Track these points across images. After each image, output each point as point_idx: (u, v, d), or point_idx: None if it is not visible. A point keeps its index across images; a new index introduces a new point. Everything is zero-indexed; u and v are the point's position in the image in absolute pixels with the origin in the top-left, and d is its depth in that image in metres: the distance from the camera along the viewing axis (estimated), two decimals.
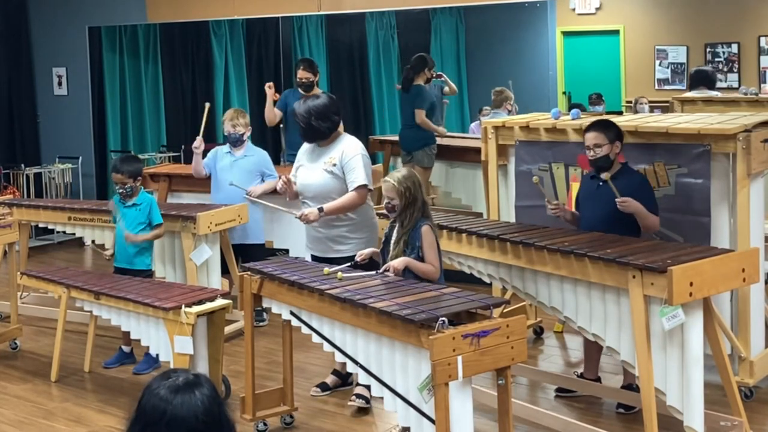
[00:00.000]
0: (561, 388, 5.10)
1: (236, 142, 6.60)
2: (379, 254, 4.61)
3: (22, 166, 9.91)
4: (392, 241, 4.47)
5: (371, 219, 5.21)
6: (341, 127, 5.25)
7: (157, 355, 5.03)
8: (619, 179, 4.66)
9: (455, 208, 7.90)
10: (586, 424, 4.48)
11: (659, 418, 4.03)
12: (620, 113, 8.28)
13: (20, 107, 10.77)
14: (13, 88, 10.71)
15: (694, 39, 9.42)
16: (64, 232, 7.11)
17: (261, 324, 6.44)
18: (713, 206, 4.80)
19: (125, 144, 10.74)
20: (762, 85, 8.94)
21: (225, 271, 6.43)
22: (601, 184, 4.70)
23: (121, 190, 5.68)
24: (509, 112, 8.05)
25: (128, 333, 5.18)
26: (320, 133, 5.12)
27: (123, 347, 5.86)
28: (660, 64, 9.62)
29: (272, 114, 7.54)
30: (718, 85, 8.29)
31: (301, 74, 7.39)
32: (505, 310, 5.28)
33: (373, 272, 4.35)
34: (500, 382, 3.61)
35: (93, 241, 6.78)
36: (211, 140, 10.15)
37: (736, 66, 9.19)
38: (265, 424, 4.72)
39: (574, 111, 5.54)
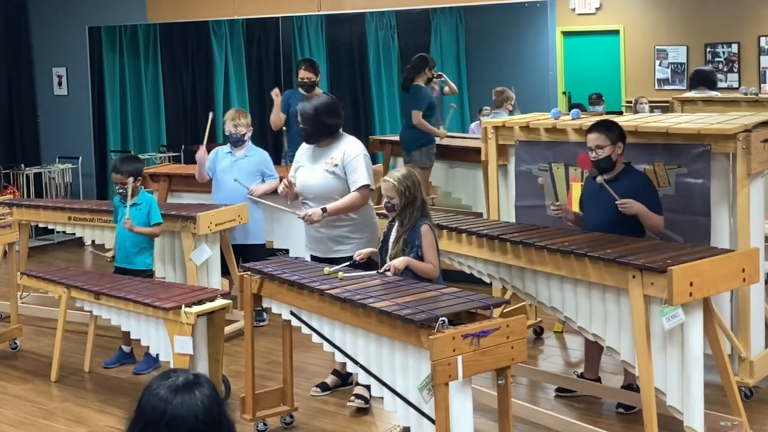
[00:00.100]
0: (561, 388, 5.10)
1: (237, 142, 6.60)
2: (377, 254, 4.61)
3: (22, 166, 9.91)
4: (391, 240, 4.47)
5: (371, 219, 5.22)
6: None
7: (157, 355, 5.03)
8: (621, 180, 4.66)
9: (455, 208, 7.90)
10: (586, 424, 4.48)
11: (659, 418, 4.03)
12: (620, 113, 8.29)
13: (20, 107, 10.77)
14: (13, 88, 10.71)
15: (694, 39, 9.42)
16: (64, 232, 7.11)
17: (261, 324, 6.44)
18: (713, 206, 4.80)
19: (125, 144, 10.74)
20: (762, 85, 8.94)
21: (225, 271, 6.43)
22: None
23: (121, 190, 5.68)
24: (510, 113, 8.05)
25: (128, 333, 5.18)
26: (328, 130, 5.11)
27: (123, 347, 5.86)
28: (660, 64, 9.62)
29: (278, 119, 7.54)
30: (718, 85, 8.28)
31: (303, 74, 7.40)
32: (505, 310, 5.27)
33: (374, 272, 4.36)
34: (500, 382, 3.61)
35: (93, 242, 6.77)
36: (211, 140, 10.18)
37: (736, 66, 9.20)
38: (265, 424, 4.72)
39: (574, 111, 5.54)
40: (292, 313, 4.36)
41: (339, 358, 4.07)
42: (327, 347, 4.12)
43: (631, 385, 4.81)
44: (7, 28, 10.56)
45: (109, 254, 5.89)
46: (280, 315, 4.49)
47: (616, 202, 4.54)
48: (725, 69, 9.18)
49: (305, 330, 4.27)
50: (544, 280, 4.56)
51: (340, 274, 4.26)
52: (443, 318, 3.44)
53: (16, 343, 6.27)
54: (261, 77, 10.45)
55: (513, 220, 5.59)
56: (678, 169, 4.88)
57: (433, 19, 10.14)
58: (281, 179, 5.44)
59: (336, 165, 5.07)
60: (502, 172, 5.78)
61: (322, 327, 4.14)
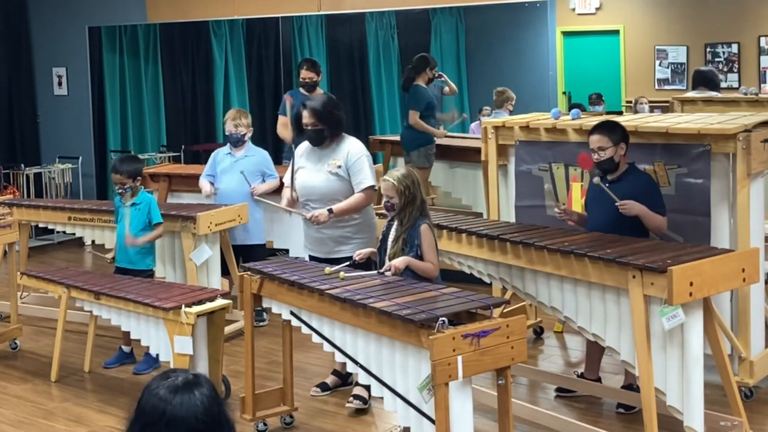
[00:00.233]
0: (561, 388, 5.10)
1: (237, 142, 6.59)
2: (376, 254, 4.61)
3: (22, 166, 9.91)
4: (390, 240, 4.48)
5: (372, 219, 5.23)
6: None
7: (157, 355, 5.03)
8: (624, 180, 4.66)
9: (455, 208, 7.90)
10: (586, 424, 4.48)
11: (659, 418, 4.03)
12: (620, 113, 8.28)
13: (20, 107, 10.77)
14: (13, 88, 10.71)
15: (694, 39, 9.42)
16: (64, 232, 7.11)
17: (261, 324, 6.44)
18: (713, 206, 4.80)
19: (125, 144, 10.74)
20: (762, 85, 8.93)
21: (225, 271, 6.43)
22: (606, 185, 4.69)
23: (120, 191, 5.68)
24: (510, 113, 8.05)
25: (128, 333, 5.18)
26: (339, 124, 5.10)
27: (123, 347, 5.86)
28: (660, 64, 9.62)
29: (286, 132, 7.49)
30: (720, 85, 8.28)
31: (305, 74, 7.39)
32: (505, 310, 5.27)
33: (374, 272, 4.36)
34: (500, 382, 3.61)
35: (93, 242, 6.77)
36: (211, 140, 10.20)
37: (736, 66, 9.19)
38: (265, 424, 4.72)
39: (574, 111, 5.54)
40: (292, 313, 4.36)
41: (339, 358, 4.07)
42: (327, 347, 4.12)
43: (631, 385, 4.81)
44: (7, 28, 10.56)
45: (109, 255, 5.89)
46: (280, 315, 4.49)
47: (616, 204, 4.54)
48: (725, 69, 9.18)
49: (305, 330, 4.27)
50: (544, 280, 4.56)
51: (341, 273, 4.26)
52: (443, 318, 3.44)
53: (16, 343, 6.27)
54: (261, 77, 10.45)
55: (513, 220, 5.59)
56: (678, 169, 4.88)
57: (433, 19, 10.14)
58: (281, 181, 5.43)
59: (339, 166, 5.06)
60: (502, 172, 5.78)
61: (322, 327, 4.14)
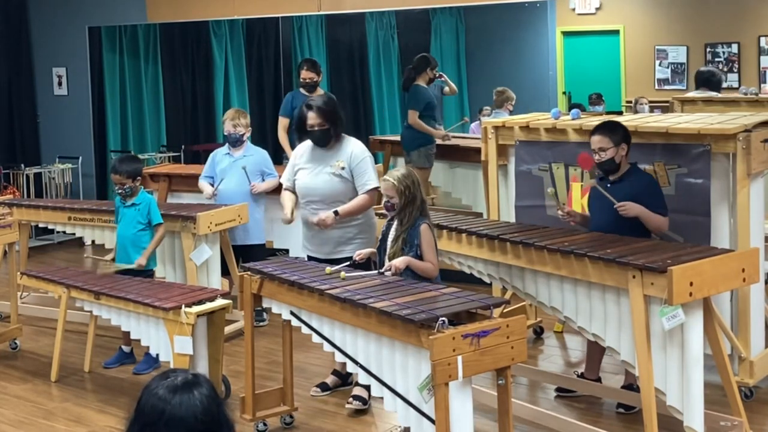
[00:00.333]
0: (561, 388, 5.10)
1: (236, 142, 6.59)
2: (376, 254, 4.62)
3: (22, 166, 9.91)
4: (390, 239, 4.48)
5: (372, 219, 5.23)
6: None
7: (157, 355, 5.03)
8: (626, 181, 4.66)
9: (455, 208, 7.90)
10: (586, 424, 4.48)
11: (659, 418, 4.03)
12: (620, 113, 8.28)
13: (20, 107, 10.77)
14: (13, 88, 10.71)
15: (694, 39, 9.42)
16: (64, 232, 7.11)
17: (261, 324, 6.44)
18: (713, 206, 4.80)
19: (125, 144, 10.74)
20: (762, 85, 8.93)
21: (225, 271, 6.43)
22: (608, 185, 4.69)
23: (120, 191, 5.68)
24: (510, 113, 8.05)
25: (128, 333, 5.18)
26: (342, 123, 5.08)
27: (123, 347, 5.86)
28: (660, 64, 9.62)
29: (286, 141, 7.49)
30: (722, 85, 8.27)
31: (305, 74, 7.39)
32: (505, 310, 5.27)
33: (374, 272, 4.36)
34: (500, 382, 3.61)
35: (93, 242, 6.77)
36: (211, 140, 10.20)
37: (736, 66, 9.19)
38: (265, 424, 4.72)
39: (574, 111, 5.54)
40: (292, 313, 4.36)
41: (339, 358, 4.07)
42: (327, 347, 4.12)
43: (631, 385, 4.81)
44: (7, 28, 10.56)
45: (108, 257, 5.88)
46: (280, 315, 4.49)
47: (615, 206, 4.54)
48: (725, 69, 9.17)
49: (305, 330, 4.27)
50: (544, 280, 4.56)
51: (342, 273, 4.26)
52: (443, 318, 3.44)
53: (16, 343, 6.27)
54: (261, 77, 10.45)
55: (513, 220, 5.59)
56: (678, 169, 4.88)
57: (433, 19, 10.14)
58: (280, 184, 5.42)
59: (343, 168, 5.05)
60: (502, 172, 5.78)
61: (322, 327, 4.14)
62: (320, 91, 7.43)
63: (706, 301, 4.02)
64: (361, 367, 3.87)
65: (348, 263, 4.53)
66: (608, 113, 7.50)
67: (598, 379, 5.04)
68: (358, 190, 5.06)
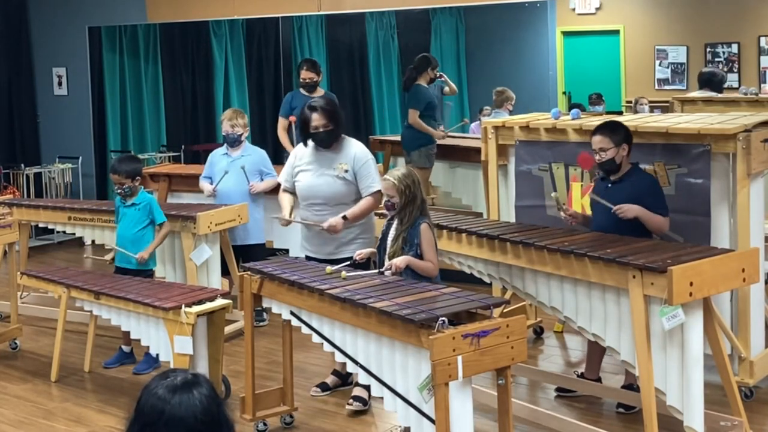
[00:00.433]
0: (561, 388, 5.10)
1: (234, 142, 6.59)
2: (376, 254, 4.62)
3: (22, 166, 9.91)
4: (390, 238, 4.48)
5: (372, 220, 5.24)
6: None
7: (157, 355, 5.03)
8: (627, 181, 4.65)
9: (455, 208, 7.90)
10: (586, 424, 4.48)
11: (659, 418, 4.02)
12: (620, 113, 8.28)
13: (20, 107, 10.78)
14: (13, 88, 10.72)
15: (694, 39, 9.41)
16: (64, 232, 7.11)
17: (261, 324, 6.44)
18: (713, 206, 4.80)
19: (125, 144, 10.74)
20: (762, 85, 8.92)
21: (225, 271, 6.43)
22: (609, 186, 4.69)
23: (119, 191, 5.68)
24: (510, 113, 8.04)
25: (128, 333, 5.18)
26: (343, 124, 5.07)
27: (123, 347, 5.86)
28: (660, 64, 9.61)
29: (286, 139, 7.49)
30: (724, 85, 8.28)
31: (305, 75, 7.38)
32: (505, 310, 5.28)
33: (374, 271, 4.36)
34: (500, 382, 3.61)
35: (93, 242, 6.76)
36: (211, 140, 10.20)
37: (736, 66, 9.19)
38: (265, 424, 4.72)
39: (574, 111, 5.54)
40: (292, 313, 4.36)
41: (339, 358, 4.07)
42: (327, 347, 4.12)
43: (631, 385, 4.81)
44: (7, 28, 10.56)
45: (109, 256, 5.89)
46: (280, 315, 4.49)
47: (612, 211, 4.55)
48: (725, 69, 9.17)
49: (305, 330, 4.27)
50: (544, 280, 4.55)
51: (343, 273, 4.26)
52: (443, 318, 3.44)
53: (16, 343, 6.27)
54: (261, 77, 10.45)
55: (513, 220, 5.59)
56: (678, 169, 4.88)
57: (433, 19, 10.13)
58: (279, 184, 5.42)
59: (346, 171, 5.04)
60: (502, 172, 5.78)
61: (322, 327, 4.14)
62: (320, 91, 7.43)
63: (706, 301, 4.02)
64: (361, 367, 3.87)
65: (348, 263, 4.53)
66: (608, 113, 7.50)
67: (598, 379, 5.04)
68: (362, 192, 5.05)
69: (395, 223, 4.49)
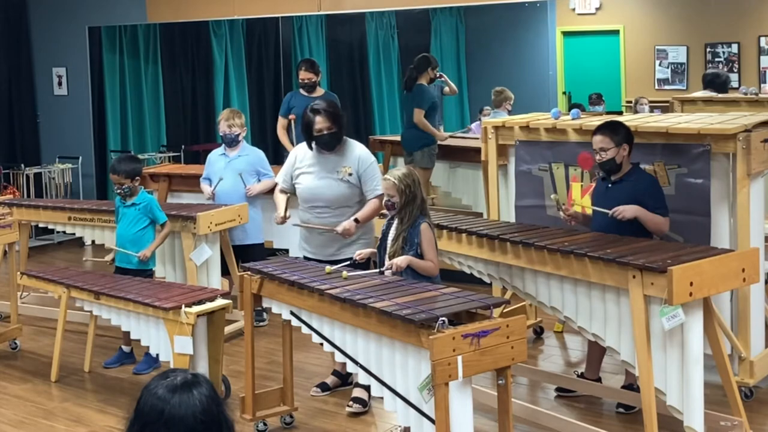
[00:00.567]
0: (561, 388, 5.10)
1: (231, 142, 6.60)
2: (376, 254, 4.62)
3: (22, 166, 9.91)
4: (390, 238, 4.48)
5: (372, 220, 5.22)
6: None
7: (157, 355, 5.03)
8: (627, 181, 4.66)
9: (455, 208, 7.90)
10: (586, 424, 4.48)
11: (659, 418, 4.03)
12: (620, 113, 8.28)
13: (20, 107, 10.78)
14: (13, 88, 10.72)
15: (694, 39, 9.41)
16: (64, 232, 7.11)
17: (261, 324, 6.44)
18: (713, 206, 4.80)
19: (125, 144, 10.74)
20: (762, 85, 8.92)
21: (225, 271, 6.43)
22: (609, 186, 4.69)
23: (119, 191, 5.68)
24: (509, 113, 8.04)
25: (128, 333, 5.18)
26: (345, 125, 5.06)
27: (123, 347, 5.86)
28: (660, 64, 9.61)
29: (286, 138, 7.49)
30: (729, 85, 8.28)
31: (303, 75, 7.37)
32: (505, 310, 5.28)
33: (375, 271, 4.37)
34: (500, 382, 3.61)
35: (93, 241, 6.76)
36: (211, 140, 10.20)
37: (736, 66, 9.18)
38: (265, 424, 4.72)
39: (574, 111, 5.54)
40: (292, 313, 4.36)
41: (339, 358, 4.06)
42: (327, 347, 4.12)
43: (631, 385, 4.81)
44: (7, 28, 10.56)
45: (108, 257, 5.88)
46: (280, 315, 4.49)
47: (609, 216, 4.55)
48: (725, 69, 9.17)
49: (305, 330, 4.27)
50: (544, 280, 4.56)
51: (344, 273, 4.26)
52: (443, 318, 3.44)
53: (16, 343, 6.27)
54: (261, 77, 10.44)
55: (513, 220, 5.59)
56: (678, 169, 4.88)
57: (433, 19, 10.13)
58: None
59: (350, 174, 5.03)
60: (502, 172, 5.78)
61: (322, 327, 4.14)
62: (320, 90, 7.43)
63: (706, 301, 4.02)
64: (361, 367, 3.87)
65: (348, 263, 4.53)
66: (608, 113, 7.49)
67: (598, 379, 5.04)
68: (367, 194, 5.04)
69: (395, 222, 4.49)
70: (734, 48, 9.19)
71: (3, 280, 7.48)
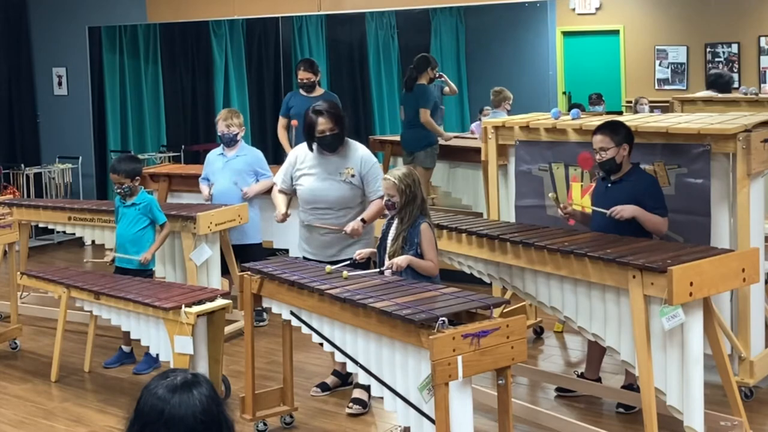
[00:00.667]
0: (561, 388, 5.10)
1: (230, 142, 6.60)
2: (376, 254, 4.62)
3: (22, 166, 9.91)
4: (390, 238, 4.48)
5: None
6: None
7: (157, 355, 5.03)
8: (627, 181, 4.66)
9: (455, 208, 7.90)
10: (586, 424, 4.48)
11: (659, 418, 4.03)
12: (620, 113, 8.28)
13: (20, 107, 10.78)
14: (13, 88, 10.72)
15: (694, 39, 9.41)
16: (64, 232, 7.11)
17: (261, 324, 6.44)
18: (713, 206, 4.80)
19: (125, 144, 10.74)
20: (762, 85, 8.92)
21: (225, 271, 6.43)
22: (609, 186, 4.69)
23: (119, 190, 5.68)
24: (508, 112, 8.04)
25: (128, 333, 5.18)
26: (346, 126, 5.04)
27: (123, 347, 5.86)
28: (660, 64, 9.61)
29: (285, 139, 7.49)
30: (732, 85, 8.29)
31: (302, 75, 7.37)
32: (505, 310, 5.28)
33: (375, 270, 4.37)
34: (500, 382, 3.61)
35: (93, 241, 6.76)
36: (211, 140, 10.20)
37: (736, 66, 9.18)
38: (265, 424, 4.72)
39: (574, 111, 5.54)
40: (292, 313, 4.36)
41: (339, 358, 4.06)
42: (327, 347, 4.12)
43: (631, 385, 4.81)
44: (7, 28, 10.56)
45: (108, 258, 5.88)
46: (280, 315, 4.49)
47: (607, 215, 4.55)
48: (725, 69, 9.17)
49: (305, 330, 4.27)
50: (544, 280, 4.56)
51: (344, 273, 4.26)
52: (443, 318, 3.44)
53: (16, 343, 6.27)
54: (261, 77, 10.45)
55: (513, 220, 5.59)
56: (678, 169, 4.88)
57: (433, 19, 10.13)
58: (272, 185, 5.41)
59: (353, 175, 5.03)
60: (502, 172, 5.78)
61: (322, 327, 4.14)
62: (320, 90, 7.42)
63: (706, 301, 4.02)
64: (361, 367, 3.87)
65: (348, 263, 4.53)
66: (608, 113, 7.50)
67: (598, 379, 5.04)
68: (370, 195, 5.03)
69: (395, 222, 4.49)
70: (734, 48, 9.19)
71: (3, 280, 7.48)
